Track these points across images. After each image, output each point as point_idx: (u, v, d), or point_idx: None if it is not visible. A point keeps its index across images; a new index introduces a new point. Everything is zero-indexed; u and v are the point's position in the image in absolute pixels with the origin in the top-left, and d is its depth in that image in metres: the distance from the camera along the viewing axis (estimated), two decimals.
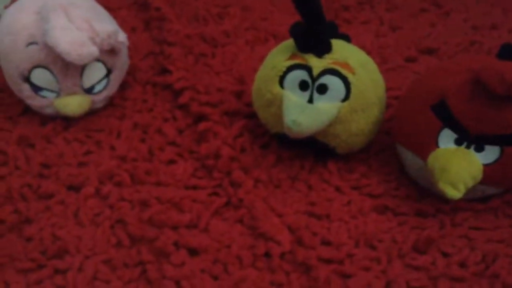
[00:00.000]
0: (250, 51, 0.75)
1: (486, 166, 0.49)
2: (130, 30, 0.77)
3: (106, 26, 0.58)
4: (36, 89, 0.60)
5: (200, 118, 0.61)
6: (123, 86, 0.66)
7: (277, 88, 0.54)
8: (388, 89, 0.65)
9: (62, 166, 0.58)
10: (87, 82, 0.60)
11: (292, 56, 0.54)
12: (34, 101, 0.61)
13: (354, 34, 0.78)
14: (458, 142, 0.49)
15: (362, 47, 0.74)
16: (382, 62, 0.73)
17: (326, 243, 0.49)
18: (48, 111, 0.61)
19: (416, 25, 0.82)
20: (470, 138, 0.48)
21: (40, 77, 0.58)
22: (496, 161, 0.49)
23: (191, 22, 0.77)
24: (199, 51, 0.71)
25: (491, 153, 0.48)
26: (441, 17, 0.84)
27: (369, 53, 0.73)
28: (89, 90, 0.61)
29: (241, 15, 0.82)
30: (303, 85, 0.53)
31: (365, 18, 0.83)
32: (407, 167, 0.54)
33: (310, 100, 0.53)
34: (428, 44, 0.76)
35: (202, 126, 0.59)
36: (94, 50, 0.56)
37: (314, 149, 0.57)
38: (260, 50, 0.74)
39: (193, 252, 0.49)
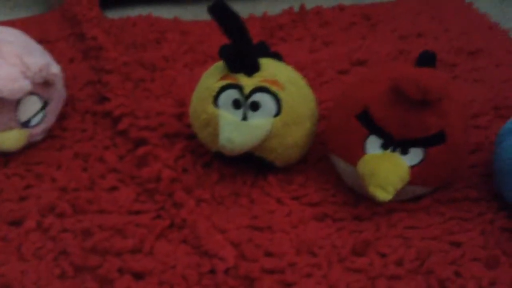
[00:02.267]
0: (189, 73, 0.77)
1: (412, 167, 0.52)
2: (68, 61, 0.78)
3: (38, 59, 0.58)
4: None
5: (140, 142, 0.62)
6: (62, 117, 0.67)
7: (211, 108, 0.56)
8: (323, 101, 0.68)
9: (2, 202, 0.57)
10: (23, 116, 0.60)
11: (224, 77, 0.56)
12: None
13: (289, 51, 0.82)
14: (384, 147, 0.52)
15: (297, 62, 0.77)
16: (316, 76, 0.76)
17: (268, 254, 0.51)
18: None
19: (347, 38, 0.86)
20: (395, 143, 0.51)
21: None
22: (421, 162, 0.52)
23: (129, 49, 0.78)
24: (137, 77, 0.72)
25: (415, 155, 0.51)
26: (370, 29, 0.88)
27: (303, 68, 0.77)
28: (25, 124, 0.61)
29: (179, 39, 0.83)
30: (236, 104, 0.55)
31: (299, 35, 0.86)
32: (342, 174, 0.56)
33: (244, 118, 0.54)
34: (359, 56, 0.80)
35: (141, 150, 0.60)
36: (26, 85, 0.56)
37: (255, 164, 0.59)
38: (199, 72, 0.75)
39: (138, 276, 0.49)
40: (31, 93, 0.59)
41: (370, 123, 0.51)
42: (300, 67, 0.74)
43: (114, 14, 0.93)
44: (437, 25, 0.90)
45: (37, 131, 0.62)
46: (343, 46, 0.83)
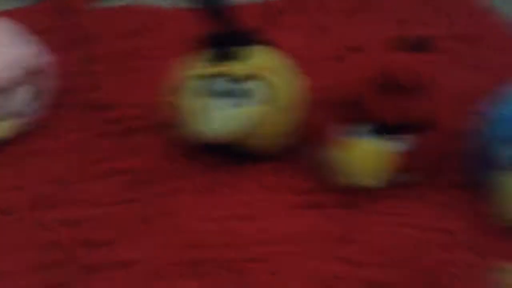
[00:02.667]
0: (176, 62, 0.76)
1: (401, 154, 0.51)
2: (58, 51, 0.77)
3: (28, 49, 0.58)
4: None
5: (128, 132, 0.62)
6: (53, 107, 0.66)
7: (198, 97, 0.55)
8: (315, 88, 0.67)
9: None
10: (14, 106, 0.60)
11: (211, 65, 0.55)
12: None
13: (286, 37, 0.80)
14: (372, 134, 0.51)
15: (293, 49, 0.76)
16: (311, 63, 0.74)
17: (254, 243, 0.50)
18: None
19: (345, 24, 0.84)
20: (383, 129, 0.51)
21: None
22: (409, 148, 0.51)
23: (119, 38, 0.78)
24: (127, 66, 0.72)
25: (404, 141, 0.51)
26: (369, 16, 0.87)
27: (298, 54, 0.75)
28: (17, 114, 0.61)
29: (167, 28, 0.83)
30: (223, 92, 0.54)
31: (297, 21, 0.85)
32: (329, 162, 0.56)
33: (232, 106, 0.54)
34: (356, 42, 0.79)
35: (131, 140, 0.60)
36: (15, 74, 0.56)
37: (241, 153, 0.58)
38: (185, 61, 0.75)
39: (123, 266, 0.49)
40: (22, 83, 0.59)
41: (358, 110, 0.51)
42: (295, 54, 0.74)
43: (103, 4, 0.92)
44: (437, 11, 0.88)
45: (28, 121, 0.62)
46: (340, 32, 0.82)
